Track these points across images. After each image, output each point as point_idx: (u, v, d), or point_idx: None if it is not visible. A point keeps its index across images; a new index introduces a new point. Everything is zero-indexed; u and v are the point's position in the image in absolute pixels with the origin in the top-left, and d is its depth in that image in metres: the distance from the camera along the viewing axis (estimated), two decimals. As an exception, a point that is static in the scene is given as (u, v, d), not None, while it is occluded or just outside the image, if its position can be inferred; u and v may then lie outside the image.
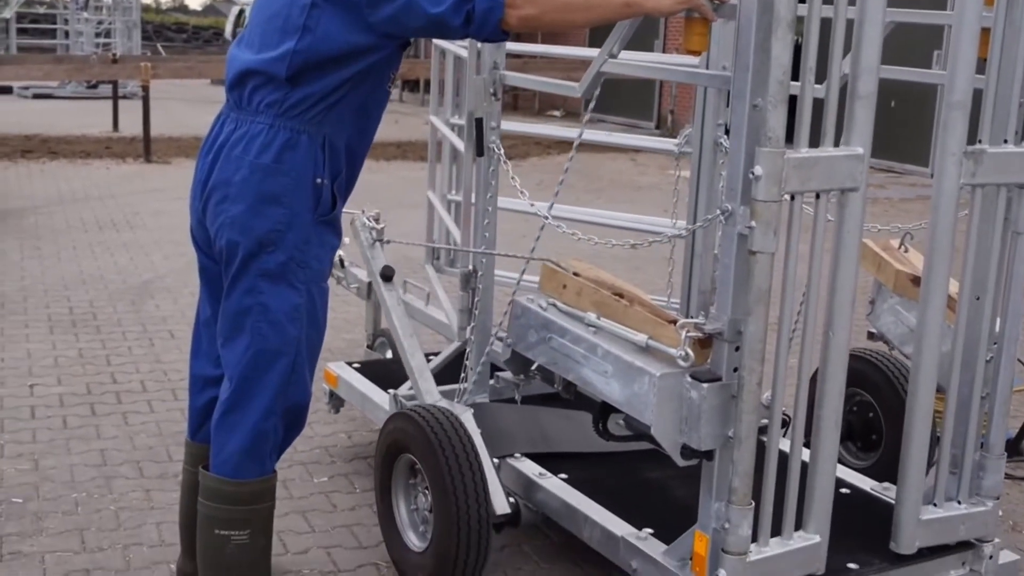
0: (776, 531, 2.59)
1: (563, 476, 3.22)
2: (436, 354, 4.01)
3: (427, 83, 15.87)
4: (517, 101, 20.33)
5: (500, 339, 3.31)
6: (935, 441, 2.94)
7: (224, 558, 2.77)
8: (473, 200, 3.67)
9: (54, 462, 4.05)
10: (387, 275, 3.73)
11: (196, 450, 2.97)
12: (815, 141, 2.41)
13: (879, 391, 3.71)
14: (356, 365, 4.19)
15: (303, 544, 3.49)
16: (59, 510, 3.66)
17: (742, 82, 2.32)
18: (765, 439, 2.53)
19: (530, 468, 3.27)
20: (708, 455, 2.48)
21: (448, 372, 3.77)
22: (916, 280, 3.56)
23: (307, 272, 2.69)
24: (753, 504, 2.48)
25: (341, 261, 4.47)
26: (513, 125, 4.05)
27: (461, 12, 2.50)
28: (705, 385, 2.41)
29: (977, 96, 2.67)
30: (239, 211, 2.63)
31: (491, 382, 3.75)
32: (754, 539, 2.53)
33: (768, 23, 2.26)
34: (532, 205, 3.28)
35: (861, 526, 2.95)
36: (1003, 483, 2.99)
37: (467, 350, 3.65)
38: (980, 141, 2.70)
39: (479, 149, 3.52)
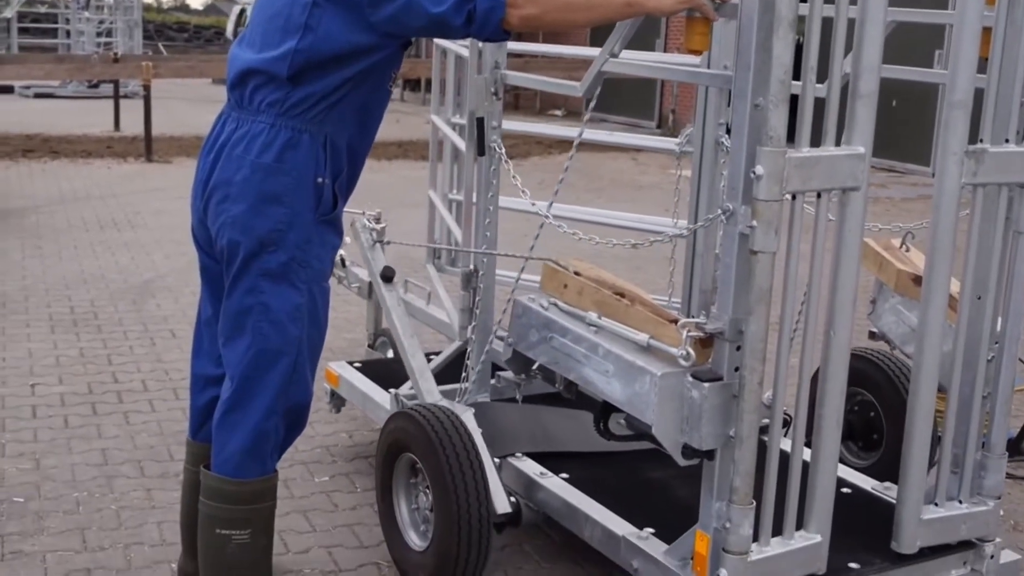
0: (777, 531, 2.58)
1: (564, 475, 3.22)
2: (437, 353, 4.02)
3: (428, 82, 15.87)
4: (518, 100, 20.33)
5: (501, 338, 3.31)
6: (936, 441, 2.94)
7: (225, 557, 2.77)
8: (474, 199, 3.67)
9: (55, 461, 4.05)
10: (387, 276, 3.74)
11: (197, 449, 2.97)
12: (816, 140, 2.40)
13: (880, 390, 3.71)
14: (357, 364, 4.19)
15: (304, 543, 3.50)
16: (60, 509, 3.66)
17: (743, 81, 2.32)
18: (766, 439, 2.53)
19: (531, 467, 3.27)
20: (709, 455, 2.48)
21: (449, 371, 3.77)
22: (917, 279, 3.56)
23: (308, 272, 2.69)
24: (754, 504, 2.48)
25: (342, 260, 4.47)
26: (514, 124, 4.05)
27: (462, 12, 2.50)
28: (706, 384, 2.41)
29: (978, 95, 2.67)
30: (240, 211, 2.63)
31: (492, 381, 3.76)
32: (755, 539, 2.52)
33: (769, 22, 2.26)
34: (533, 204, 3.28)
35: (862, 526, 2.95)
36: (1004, 483, 2.99)
37: (468, 349, 3.66)
38: (981, 140, 2.70)
39: (480, 148, 3.52)
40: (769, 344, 2.41)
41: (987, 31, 2.67)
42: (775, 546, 2.57)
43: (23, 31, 23.82)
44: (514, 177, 3.20)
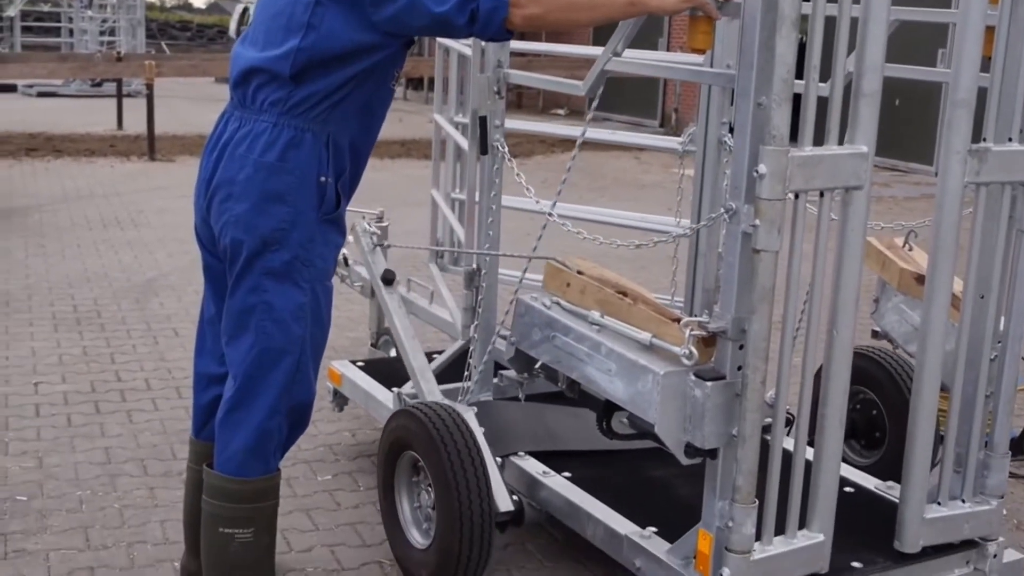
0: (780, 530, 2.59)
1: (567, 474, 3.22)
2: (440, 352, 4.02)
3: (431, 81, 15.85)
4: (521, 99, 20.32)
5: (504, 337, 3.31)
6: (939, 440, 2.94)
7: (228, 556, 2.77)
8: (477, 198, 3.67)
9: (58, 460, 4.05)
10: (388, 279, 3.75)
11: (200, 448, 2.98)
12: (819, 139, 2.40)
13: (883, 389, 3.71)
14: (360, 363, 4.19)
15: (307, 542, 3.50)
16: (63, 508, 3.66)
17: (746, 80, 2.32)
18: (769, 438, 2.53)
19: (534, 466, 3.27)
20: (712, 453, 2.47)
21: (452, 370, 3.77)
22: (920, 278, 3.56)
23: (311, 271, 2.69)
24: (757, 502, 2.48)
25: (345, 259, 4.47)
26: (517, 123, 4.05)
27: (465, 11, 2.50)
28: (709, 383, 2.41)
29: (982, 94, 2.67)
30: (243, 209, 2.63)
31: (495, 380, 3.76)
32: (758, 538, 2.52)
33: (772, 21, 2.25)
34: (537, 203, 3.28)
35: (865, 525, 2.95)
36: (1007, 482, 2.99)
37: (471, 348, 3.66)
38: (984, 139, 2.70)
39: (483, 147, 3.52)
40: (772, 343, 2.41)
41: (990, 30, 2.67)
42: (778, 545, 2.58)
43: (26, 30, 23.84)
44: (518, 175, 3.20)
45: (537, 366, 3.09)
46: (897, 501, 2.85)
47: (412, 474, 3.22)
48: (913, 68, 3.93)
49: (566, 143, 12.56)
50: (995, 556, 2.91)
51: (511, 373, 3.55)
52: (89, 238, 8.04)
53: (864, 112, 2.46)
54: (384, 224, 4.02)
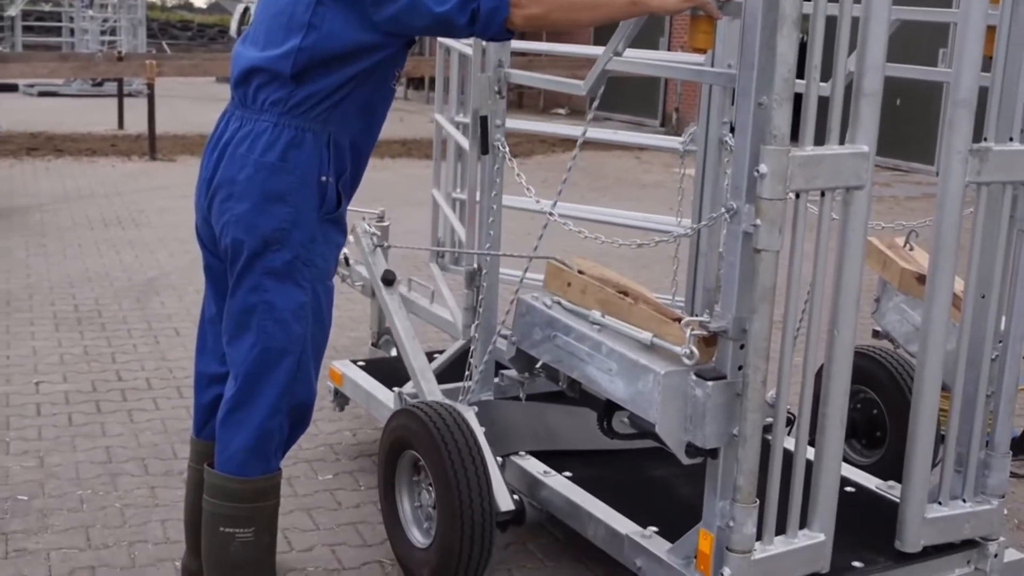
0: (781, 529, 2.58)
1: (567, 474, 3.22)
2: (441, 352, 4.02)
3: (432, 81, 15.86)
4: (522, 99, 20.31)
5: (505, 337, 3.31)
6: (940, 439, 2.94)
7: (229, 555, 2.77)
8: (478, 198, 3.67)
9: (59, 459, 4.05)
10: (388, 280, 3.75)
11: (201, 447, 2.98)
12: (820, 139, 2.40)
13: (883, 388, 3.71)
14: (361, 363, 4.19)
15: (308, 542, 3.50)
16: (64, 507, 3.66)
17: (747, 80, 2.32)
18: (770, 437, 2.53)
19: (534, 466, 3.27)
20: (713, 453, 2.47)
21: (453, 370, 3.77)
22: (921, 278, 3.55)
23: (312, 270, 2.69)
24: (758, 502, 2.48)
25: (346, 259, 4.48)
26: (518, 123, 4.05)
27: (466, 11, 2.50)
28: (710, 383, 2.41)
29: (983, 94, 2.67)
30: (244, 209, 2.63)
31: (496, 380, 3.76)
32: (759, 537, 2.52)
33: (773, 21, 2.25)
34: (538, 202, 3.28)
35: (866, 524, 2.95)
36: (1008, 481, 2.99)
37: (472, 348, 3.66)
38: (986, 139, 2.69)
39: (484, 147, 3.52)
40: (773, 343, 2.41)
41: (991, 29, 2.67)
42: (779, 545, 2.57)
43: (27, 29, 23.84)
44: (518, 175, 3.20)
45: (538, 366, 3.09)
46: (898, 501, 2.85)
47: (413, 473, 3.22)
48: (914, 68, 3.93)
49: (567, 143, 12.55)
50: (996, 556, 2.91)
51: (512, 373, 3.55)
52: (90, 237, 8.05)
53: (865, 112, 2.46)
54: (385, 224, 4.02)
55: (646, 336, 2.61)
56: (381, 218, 4.03)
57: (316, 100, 2.61)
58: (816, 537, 2.63)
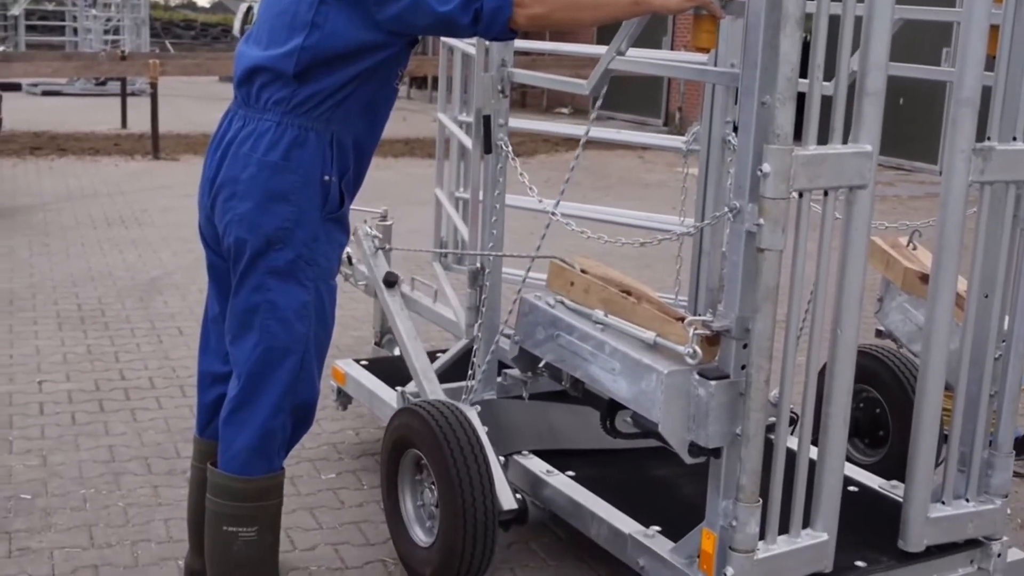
0: (784, 529, 2.58)
1: (570, 473, 3.22)
2: (444, 351, 4.02)
3: (435, 80, 15.85)
4: (525, 98, 20.31)
5: (508, 336, 3.31)
6: (943, 439, 2.93)
7: (232, 554, 2.78)
8: (481, 197, 3.67)
9: (62, 458, 4.06)
10: (390, 282, 3.75)
11: (204, 447, 2.98)
12: (824, 138, 2.40)
13: (886, 388, 3.71)
14: (364, 362, 4.20)
15: (311, 541, 3.50)
16: (67, 506, 3.67)
17: (750, 79, 2.32)
18: (773, 437, 2.53)
19: (537, 465, 3.27)
20: (716, 453, 2.47)
21: (456, 369, 3.77)
22: (924, 278, 3.55)
23: (315, 270, 2.69)
24: (761, 502, 2.48)
25: (349, 258, 4.48)
26: (521, 122, 4.05)
27: (469, 11, 2.50)
28: (713, 382, 2.41)
29: (986, 93, 2.67)
30: (247, 208, 2.63)
31: (499, 379, 3.76)
32: (761, 537, 2.52)
33: (777, 20, 2.25)
34: (540, 202, 3.28)
35: (869, 524, 2.94)
36: (1012, 481, 2.98)
37: (475, 347, 3.66)
38: (989, 138, 2.69)
39: (487, 146, 3.52)
40: (776, 342, 2.41)
41: (995, 29, 2.67)
42: (781, 544, 2.57)
43: (30, 29, 23.85)
44: (521, 174, 3.20)
45: (541, 365, 3.09)
46: (901, 500, 2.85)
47: (416, 472, 3.22)
48: (917, 67, 3.93)
49: (570, 142, 12.55)
50: (999, 555, 2.91)
51: (515, 372, 3.54)
52: (93, 237, 8.05)
53: (868, 111, 2.46)
54: (388, 223, 4.02)
55: (649, 335, 2.61)
56: (384, 218, 4.03)
57: (319, 99, 2.62)
58: (819, 536, 2.63)
